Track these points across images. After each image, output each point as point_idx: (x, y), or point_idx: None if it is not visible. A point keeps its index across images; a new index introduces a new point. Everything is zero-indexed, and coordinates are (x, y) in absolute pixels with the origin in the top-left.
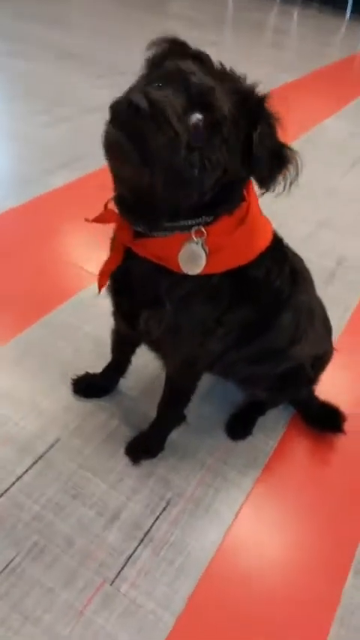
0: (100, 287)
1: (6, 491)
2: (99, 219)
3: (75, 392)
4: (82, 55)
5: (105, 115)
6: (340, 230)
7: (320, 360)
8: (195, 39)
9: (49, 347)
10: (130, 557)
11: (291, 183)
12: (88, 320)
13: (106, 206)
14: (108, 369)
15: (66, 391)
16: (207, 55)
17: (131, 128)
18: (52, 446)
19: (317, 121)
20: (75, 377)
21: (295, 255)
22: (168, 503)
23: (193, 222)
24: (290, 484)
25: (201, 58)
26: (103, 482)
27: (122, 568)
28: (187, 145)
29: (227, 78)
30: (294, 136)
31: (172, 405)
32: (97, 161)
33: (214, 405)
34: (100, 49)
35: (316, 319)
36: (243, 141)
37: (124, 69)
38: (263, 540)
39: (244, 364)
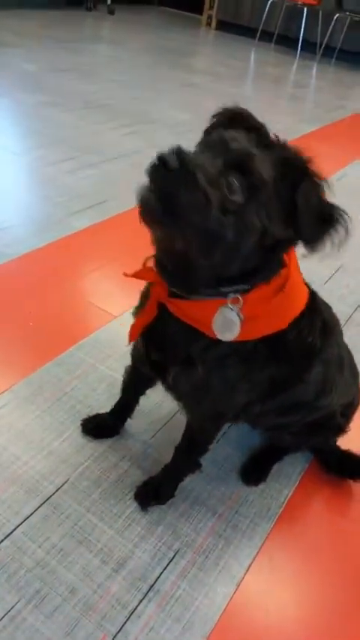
0: (131, 339)
1: (10, 533)
2: (137, 275)
3: (84, 432)
4: (110, 106)
5: (128, 162)
6: (357, 275)
7: (350, 407)
8: (218, 91)
9: (63, 385)
10: (134, 610)
11: (340, 245)
12: (104, 360)
13: (145, 263)
14: (116, 409)
15: (77, 431)
16: (264, 127)
17: (160, 186)
18: (59, 487)
19: (337, 168)
20: (85, 417)
21: (324, 304)
22: (176, 554)
23: (230, 289)
24: (305, 538)
25: (258, 129)
26: (110, 528)
27: (125, 622)
28: (221, 207)
29: (278, 148)
30: None
31: (190, 453)
32: (118, 206)
33: (227, 451)
34: (127, 100)
35: (345, 367)
36: (286, 203)
37: (149, 119)
38: (275, 600)
39: (272, 415)
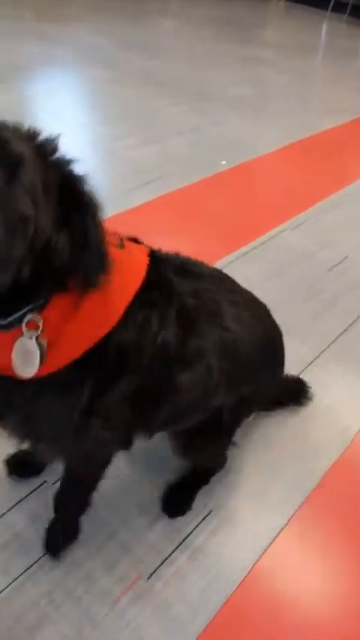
0: None
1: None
2: None
3: (9, 474)
4: (171, 82)
5: (186, 139)
6: None
7: (246, 403)
8: (282, 66)
9: None
10: (167, 558)
11: None
12: None
13: None
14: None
15: None
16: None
17: None
18: None
19: None
20: (8, 456)
21: (196, 277)
22: (209, 513)
23: (22, 312)
24: (337, 513)
25: None
26: (149, 483)
27: (159, 567)
28: None
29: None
30: None
31: (74, 497)
32: (177, 181)
33: (257, 421)
34: (189, 76)
35: (242, 350)
36: (56, 196)
37: (210, 95)
38: (299, 570)
39: (161, 427)
